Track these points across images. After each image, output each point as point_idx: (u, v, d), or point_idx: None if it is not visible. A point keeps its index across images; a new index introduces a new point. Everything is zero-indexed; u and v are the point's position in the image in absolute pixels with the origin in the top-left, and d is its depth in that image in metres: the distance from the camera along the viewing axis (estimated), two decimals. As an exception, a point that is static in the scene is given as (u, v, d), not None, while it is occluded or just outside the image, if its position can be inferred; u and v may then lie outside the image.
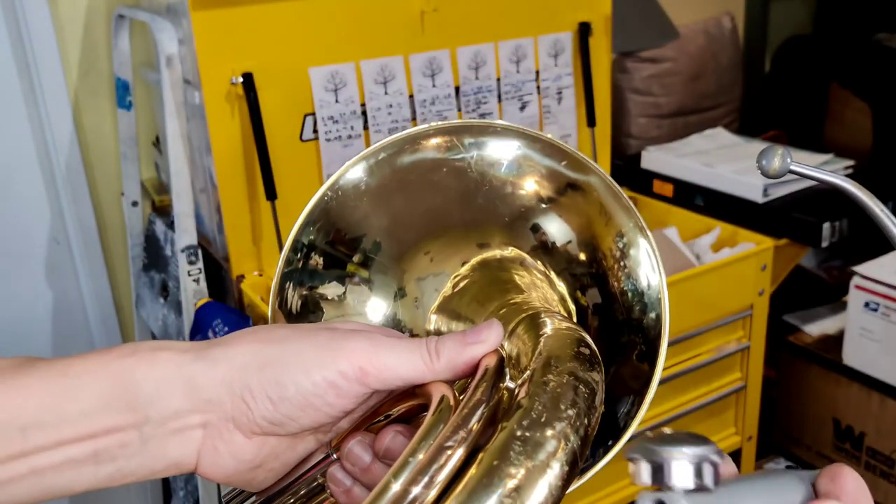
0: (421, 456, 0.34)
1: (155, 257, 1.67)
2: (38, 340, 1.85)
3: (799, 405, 1.86)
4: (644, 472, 0.29)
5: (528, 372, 0.38)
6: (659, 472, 0.29)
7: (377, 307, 0.50)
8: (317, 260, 0.49)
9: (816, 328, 1.87)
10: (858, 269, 1.66)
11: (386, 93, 1.51)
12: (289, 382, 0.37)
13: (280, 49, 1.40)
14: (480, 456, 0.33)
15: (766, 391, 1.66)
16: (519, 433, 0.33)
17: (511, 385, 0.40)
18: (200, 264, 1.45)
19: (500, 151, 0.48)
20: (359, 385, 0.38)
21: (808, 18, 2.76)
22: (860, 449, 1.74)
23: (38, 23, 1.62)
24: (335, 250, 0.50)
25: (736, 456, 1.66)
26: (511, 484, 0.32)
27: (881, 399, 1.68)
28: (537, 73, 1.69)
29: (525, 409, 0.35)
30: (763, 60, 2.65)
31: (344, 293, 0.49)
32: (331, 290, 0.50)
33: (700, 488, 0.29)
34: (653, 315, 0.44)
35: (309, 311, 0.49)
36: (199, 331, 1.38)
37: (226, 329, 1.32)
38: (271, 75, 1.40)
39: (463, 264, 0.50)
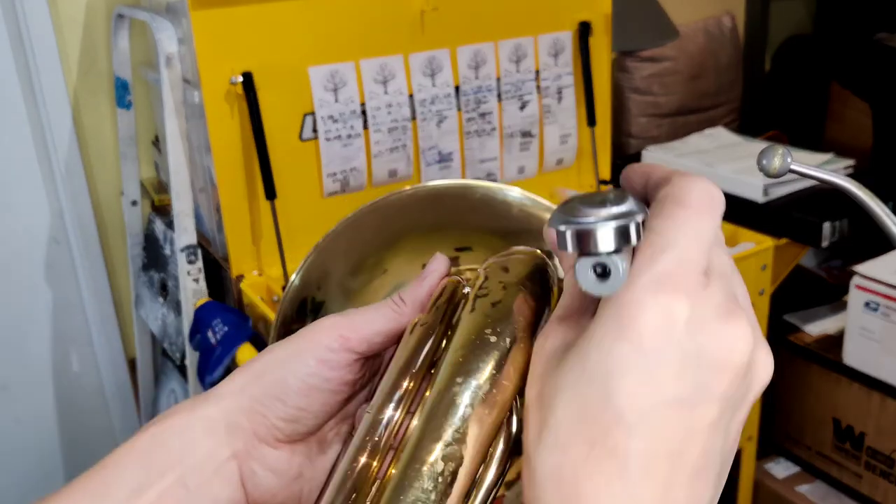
0: (390, 381, 0.37)
1: (154, 257, 1.67)
2: (38, 340, 1.85)
3: (799, 405, 1.85)
4: (570, 241, 0.29)
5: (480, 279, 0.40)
6: (585, 240, 0.29)
7: None
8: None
9: (816, 328, 1.86)
10: (858, 268, 1.66)
11: (386, 92, 1.51)
12: (287, 376, 0.39)
13: (280, 49, 1.40)
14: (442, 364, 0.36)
15: (766, 391, 1.65)
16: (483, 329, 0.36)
17: (467, 290, 0.42)
18: (200, 264, 1.45)
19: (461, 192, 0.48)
20: (345, 352, 0.40)
21: (808, 18, 2.76)
22: (860, 449, 1.74)
23: (38, 23, 1.62)
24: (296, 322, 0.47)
25: (736, 456, 1.66)
26: (480, 377, 0.34)
27: (881, 399, 1.67)
28: (537, 72, 1.69)
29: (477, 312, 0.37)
30: (763, 60, 2.65)
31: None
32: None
33: (625, 246, 0.29)
34: None
35: None
36: (199, 330, 1.38)
37: (225, 329, 1.32)
38: (271, 75, 1.40)
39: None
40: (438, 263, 0.43)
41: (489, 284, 0.39)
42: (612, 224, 0.29)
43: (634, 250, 0.30)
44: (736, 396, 0.30)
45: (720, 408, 0.30)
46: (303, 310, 0.48)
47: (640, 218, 0.29)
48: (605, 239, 0.29)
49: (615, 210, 0.29)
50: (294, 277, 0.47)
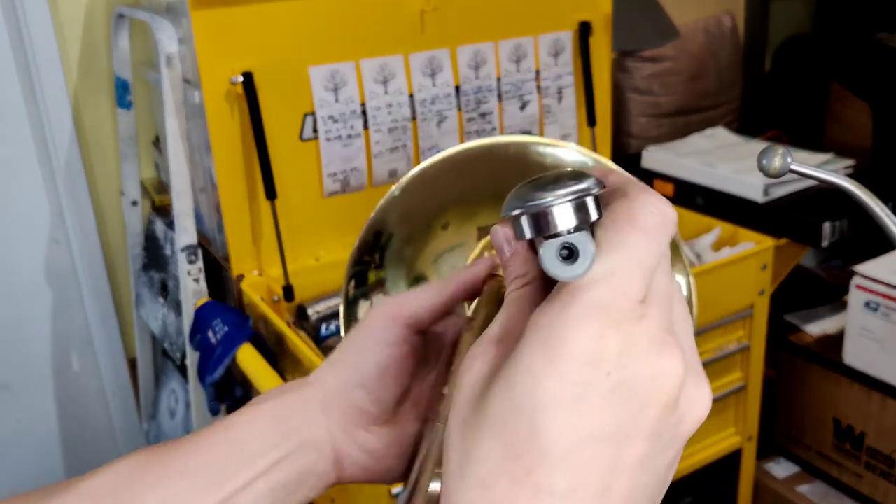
0: None
1: (155, 257, 1.67)
2: (38, 340, 1.85)
3: (799, 405, 1.85)
4: (526, 226, 0.28)
5: None
6: (542, 222, 0.28)
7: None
8: (351, 288, 0.50)
9: (816, 328, 1.86)
10: (859, 268, 1.66)
11: (386, 92, 1.51)
12: (360, 363, 0.44)
13: (280, 48, 1.40)
14: None
15: (766, 391, 1.66)
16: None
17: None
18: (200, 264, 1.45)
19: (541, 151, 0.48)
20: (398, 327, 0.44)
21: (808, 18, 2.76)
22: (860, 449, 1.74)
23: (38, 23, 1.62)
24: (361, 266, 0.49)
25: (736, 456, 1.66)
26: None
27: (881, 399, 1.67)
28: (537, 72, 1.69)
29: None
30: (763, 60, 2.65)
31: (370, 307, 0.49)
32: (362, 311, 0.50)
33: (586, 222, 0.28)
34: None
35: None
36: (199, 330, 1.38)
37: (225, 329, 1.32)
38: (271, 75, 1.40)
39: (481, 231, 0.48)
40: (484, 260, 0.46)
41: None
42: (569, 199, 0.28)
43: (594, 226, 0.29)
44: (665, 433, 0.29)
45: (649, 444, 0.29)
46: (377, 240, 0.49)
47: (596, 191, 0.28)
48: (564, 216, 0.27)
49: (570, 187, 0.28)
50: (374, 213, 0.49)
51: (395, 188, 0.48)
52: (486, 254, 0.48)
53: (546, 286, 0.32)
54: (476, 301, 0.45)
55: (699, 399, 0.30)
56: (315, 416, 0.44)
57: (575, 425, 0.28)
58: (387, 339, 0.44)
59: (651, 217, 0.29)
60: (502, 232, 0.34)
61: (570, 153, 0.47)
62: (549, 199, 0.28)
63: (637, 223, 0.29)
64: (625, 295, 0.28)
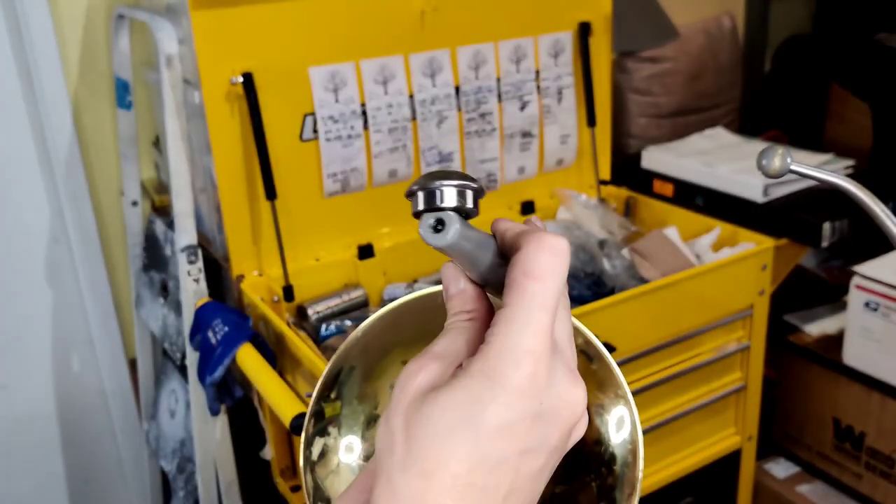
0: None
1: (155, 257, 1.67)
2: (38, 340, 1.85)
3: (799, 405, 1.85)
4: (420, 198, 0.37)
5: None
6: (431, 197, 0.37)
7: (352, 445, 0.48)
8: (311, 427, 0.48)
9: (816, 328, 1.86)
10: (858, 268, 1.66)
11: (386, 92, 1.51)
12: None
13: (280, 49, 1.40)
14: None
15: (766, 391, 1.66)
16: None
17: None
18: (200, 264, 1.45)
19: None
20: None
21: (808, 18, 2.76)
22: (860, 449, 1.74)
23: (38, 23, 1.62)
24: (319, 405, 0.48)
25: (736, 456, 1.66)
26: None
27: (881, 399, 1.68)
28: (537, 72, 1.69)
29: None
30: (763, 60, 2.65)
31: (322, 448, 0.48)
32: (317, 449, 0.47)
33: (463, 208, 0.37)
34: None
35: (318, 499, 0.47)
36: (199, 330, 1.38)
37: (225, 329, 1.32)
38: (271, 75, 1.40)
39: None
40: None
41: None
42: (454, 186, 0.37)
43: (468, 216, 0.37)
44: (560, 448, 0.37)
45: (550, 457, 0.36)
46: (336, 378, 0.49)
47: (475, 186, 0.37)
48: (448, 196, 0.36)
49: (457, 181, 0.37)
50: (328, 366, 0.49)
51: (357, 330, 0.49)
52: None
53: (486, 323, 0.39)
54: None
55: (585, 421, 0.38)
56: None
57: (509, 441, 0.34)
58: None
59: (541, 262, 0.36)
60: (452, 269, 0.40)
61: None
62: (440, 183, 0.37)
63: (531, 272, 0.36)
64: (543, 337, 0.35)
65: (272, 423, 1.44)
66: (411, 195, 0.37)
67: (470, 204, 0.37)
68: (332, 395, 0.48)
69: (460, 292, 0.40)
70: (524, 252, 0.37)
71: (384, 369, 0.49)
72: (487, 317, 0.39)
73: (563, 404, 0.36)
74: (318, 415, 0.48)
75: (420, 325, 0.48)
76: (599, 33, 1.74)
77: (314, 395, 0.48)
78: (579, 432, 0.38)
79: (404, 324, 0.49)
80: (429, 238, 0.36)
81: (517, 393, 0.34)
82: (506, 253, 0.39)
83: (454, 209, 0.36)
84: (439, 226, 0.36)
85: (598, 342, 0.46)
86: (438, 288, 0.47)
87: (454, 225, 0.36)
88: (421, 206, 0.37)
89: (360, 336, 0.49)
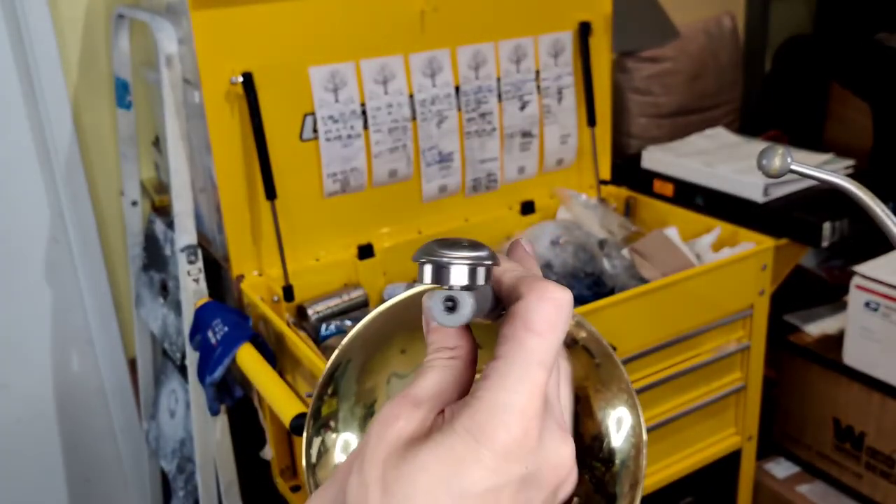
0: None
1: (154, 257, 1.67)
2: (38, 340, 1.85)
3: (799, 405, 1.85)
4: (428, 273, 0.34)
5: None
6: (441, 273, 0.33)
7: (349, 442, 0.47)
8: (311, 432, 0.47)
9: (816, 328, 1.86)
10: (858, 268, 1.66)
11: (386, 92, 1.51)
12: None
13: (280, 49, 1.40)
14: None
15: (766, 391, 1.66)
16: None
17: None
18: (200, 264, 1.45)
19: None
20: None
21: (808, 18, 2.76)
22: (860, 449, 1.74)
23: (38, 23, 1.62)
24: (319, 401, 0.48)
25: (736, 456, 1.66)
26: None
27: (881, 399, 1.68)
28: (537, 72, 1.69)
29: None
30: (763, 60, 2.65)
31: (320, 447, 0.47)
32: (314, 451, 0.47)
33: (473, 286, 0.34)
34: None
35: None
36: (199, 330, 1.38)
37: (225, 329, 1.32)
38: (271, 75, 1.40)
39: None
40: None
41: None
42: (465, 263, 0.33)
43: (477, 291, 0.34)
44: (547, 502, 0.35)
45: None
46: (332, 375, 0.48)
47: (489, 263, 0.34)
48: (458, 274, 0.33)
49: (468, 253, 0.34)
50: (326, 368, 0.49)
51: (358, 325, 0.48)
52: None
53: (471, 364, 0.37)
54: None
55: (574, 478, 0.36)
56: None
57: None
58: None
59: (543, 315, 0.34)
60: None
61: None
62: (450, 258, 0.33)
63: (532, 326, 0.34)
64: (536, 395, 0.33)
65: (272, 423, 1.44)
66: (419, 264, 0.34)
67: (482, 282, 0.34)
68: (329, 392, 0.48)
69: (443, 327, 0.37)
70: (525, 303, 0.34)
71: (384, 361, 0.48)
72: (471, 356, 0.37)
73: (550, 466, 0.34)
74: (316, 413, 0.48)
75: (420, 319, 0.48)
76: (599, 33, 1.74)
77: (315, 393, 0.48)
78: (566, 491, 0.36)
79: (406, 318, 0.48)
80: (440, 317, 0.33)
81: (504, 456, 0.32)
82: (501, 296, 0.37)
83: (465, 288, 0.33)
84: (450, 302, 0.33)
85: (600, 336, 0.46)
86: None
87: (467, 307, 0.33)
88: (428, 281, 0.34)
89: (360, 331, 0.48)
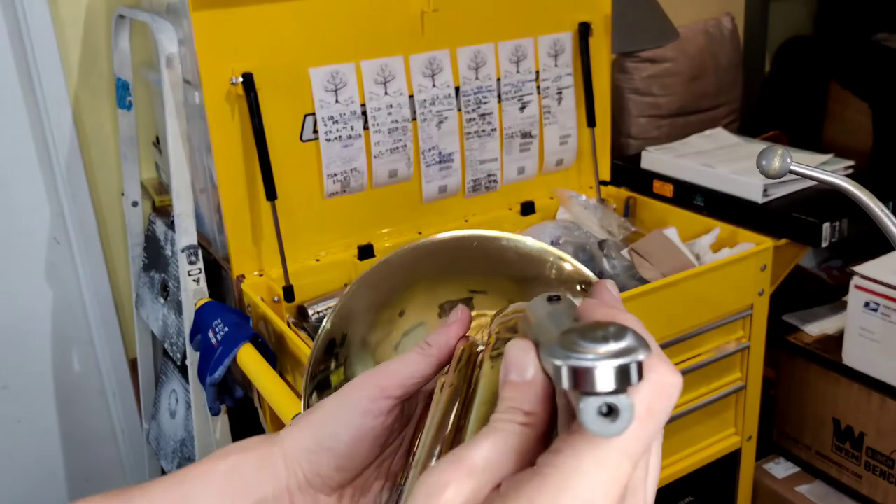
0: (427, 442, 0.39)
1: (155, 257, 1.68)
2: (38, 340, 1.85)
3: (799, 405, 1.86)
4: (566, 378, 0.27)
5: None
6: (583, 378, 0.26)
7: None
8: (314, 400, 0.49)
9: (816, 328, 1.86)
10: (858, 269, 1.66)
11: (386, 93, 1.51)
12: (337, 429, 0.43)
13: (280, 49, 1.40)
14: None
15: (766, 391, 1.66)
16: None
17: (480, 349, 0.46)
18: (200, 264, 1.45)
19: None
20: (384, 399, 0.44)
21: (808, 18, 2.76)
22: (860, 449, 1.74)
23: (38, 23, 1.62)
24: (321, 375, 0.49)
25: (735, 456, 1.66)
26: None
27: (881, 399, 1.68)
28: (537, 73, 1.69)
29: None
30: (763, 60, 2.65)
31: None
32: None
33: (626, 386, 0.27)
34: None
35: None
36: (199, 331, 1.38)
37: (226, 329, 1.32)
38: (271, 75, 1.40)
39: (443, 308, 0.49)
40: (461, 313, 0.47)
41: (501, 345, 0.40)
42: (614, 363, 0.26)
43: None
44: None
45: None
46: (331, 349, 0.50)
47: (641, 356, 0.27)
48: (605, 378, 0.26)
49: (615, 346, 0.27)
50: (325, 322, 0.50)
51: (346, 293, 0.49)
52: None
53: (543, 436, 0.31)
54: (449, 366, 0.45)
55: None
56: (276, 474, 0.43)
57: None
58: (372, 411, 0.43)
59: (644, 400, 0.28)
60: (523, 349, 0.32)
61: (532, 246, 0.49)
62: (593, 357, 0.26)
63: (654, 411, 0.28)
64: (613, 489, 0.27)
65: (272, 423, 1.44)
66: (553, 369, 0.27)
67: (636, 379, 0.27)
68: (332, 365, 0.49)
69: (525, 384, 0.31)
70: (652, 383, 0.28)
71: (383, 324, 0.49)
72: (546, 426, 0.31)
73: None
74: (324, 384, 0.49)
75: (417, 272, 0.49)
76: (599, 33, 1.74)
77: (308, 371, 0.49)
78: None
79: (399, 276, 0.49)
80: (598, 429, 0.26)
81: None
82: None
83: (618, 391, 0.26)
84: (605, 408, 0.27)
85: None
86: (439, 237, 0.48)
87: (629, 410, 0.26)
88: (567, 386, 0.27)
89: (348, 300, 0.49)
